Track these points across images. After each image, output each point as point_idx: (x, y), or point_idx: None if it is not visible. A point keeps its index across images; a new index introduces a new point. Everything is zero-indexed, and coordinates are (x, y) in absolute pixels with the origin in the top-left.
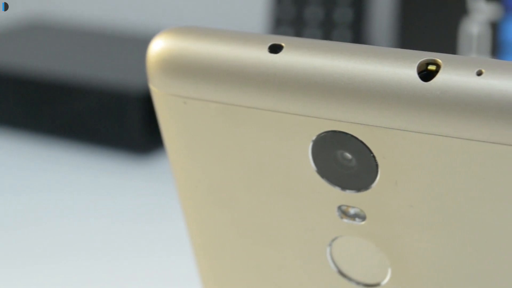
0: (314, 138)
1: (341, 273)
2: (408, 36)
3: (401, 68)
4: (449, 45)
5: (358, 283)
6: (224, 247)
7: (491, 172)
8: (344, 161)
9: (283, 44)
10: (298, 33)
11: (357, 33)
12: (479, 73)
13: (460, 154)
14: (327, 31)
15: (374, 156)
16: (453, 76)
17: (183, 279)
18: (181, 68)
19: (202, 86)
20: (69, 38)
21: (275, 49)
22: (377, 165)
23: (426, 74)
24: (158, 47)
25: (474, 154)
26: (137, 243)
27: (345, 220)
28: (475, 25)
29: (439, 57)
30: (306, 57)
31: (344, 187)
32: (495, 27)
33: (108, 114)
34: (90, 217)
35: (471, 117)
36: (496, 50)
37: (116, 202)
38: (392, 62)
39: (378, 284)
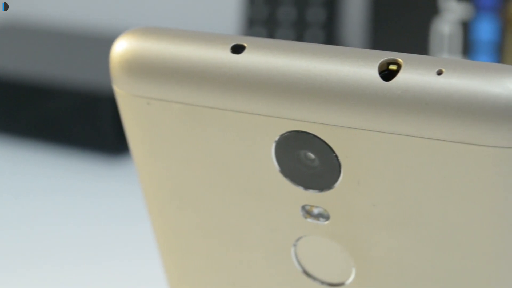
0: (277, 138)
1: (306, 273)
2: (380, 35)
3: (362, 68)
4: (421, 44)
5: (322, 282)
6: (189, 248)
7: (452, 171)
8: (307, 161)
9: (245, 45)
10: (271, 33)
11: (329, 33)
12: (440, 73)
13: (422, 153)
14: (300, 31)
15: (336, 156)
16: (414, 75)
17: (153, 280)
18: (144, 69)
19: (165, 87)
20: (41, 40)
21: (237, 49)
22: (339, 165)
23: (387, 73)
24: (121, 48)
25: (435, 153)
26: (110, 245)
27: (309, 220)
28: (447, 25)
29: (400, 57)
30: (268, 57)
31: (307, 186)
32: (466, 27)
33: (81, 115)
34: (63, 219)
35: (431, 116)
36: (467, 49)
37: (89, 203)
38: (353, 62)
39: (342, 284)
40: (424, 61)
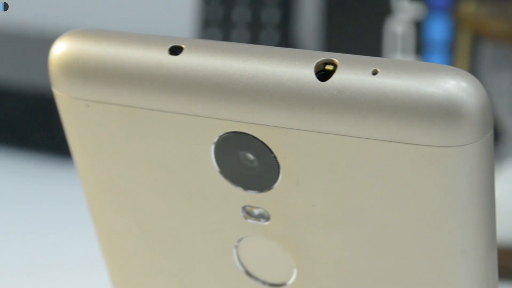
0: (216, 139)
1: (248, 274)
2: (335, 36)
3: (299, 68)
4: (375, 44)
5: (264, 283)
6: (132, 250)
7: (390, 170)
8: (247, 162)
9: (183, 46)
10: (226, 34)
11: (284, 33)
12: (375, 72)
13: (359, 153)
14: (255, 32)
15: (275, 157)
16: (349, 75)
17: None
18: (82, 71)
19: (104, 89)
20: None
21: (175, 50)
22: (278, 165)
23: (324, 74)
24: (59, 50)
25: (372, 152)
26: (65, 249)
27: (250, 221)
28: (399, 24)
29: (336, 57)
30: (205, 58)
31: (247, 187)
32: (419, 26)
33: (34, 118)
34: (16, 223)
35: (367, 116)
36: (420, 48)
37: (43, 206)
38: (290, 62)
39: (284, 284)
40: (360, 61)
